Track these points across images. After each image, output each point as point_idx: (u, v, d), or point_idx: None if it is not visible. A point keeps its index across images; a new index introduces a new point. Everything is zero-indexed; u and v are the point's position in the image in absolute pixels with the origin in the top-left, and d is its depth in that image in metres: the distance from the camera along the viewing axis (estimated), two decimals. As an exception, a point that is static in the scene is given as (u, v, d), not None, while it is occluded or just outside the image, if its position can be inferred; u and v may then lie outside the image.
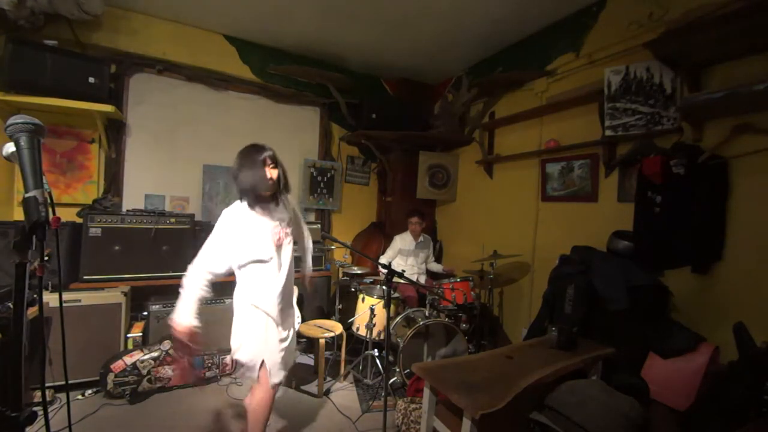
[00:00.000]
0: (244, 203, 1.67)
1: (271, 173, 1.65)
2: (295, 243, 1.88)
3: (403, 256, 3.58)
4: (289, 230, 1.80)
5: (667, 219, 2.15)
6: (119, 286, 2.64)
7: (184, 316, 1.55)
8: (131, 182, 3.20)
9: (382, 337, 2.77)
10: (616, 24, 2.53)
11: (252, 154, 1.65)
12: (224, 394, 2.54)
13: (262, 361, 1.70)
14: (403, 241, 3.57)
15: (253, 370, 1.72)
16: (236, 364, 1.85)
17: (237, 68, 3.52)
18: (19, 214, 2.70)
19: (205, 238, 1.71)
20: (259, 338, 1.72)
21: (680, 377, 1.94)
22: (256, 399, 1.73)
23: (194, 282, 1.61)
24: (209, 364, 2.67)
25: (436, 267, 3.72)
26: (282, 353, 1.76)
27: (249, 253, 1.67)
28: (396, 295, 2.94)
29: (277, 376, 1.73)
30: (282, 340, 1.77)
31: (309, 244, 2.14)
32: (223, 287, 2.93)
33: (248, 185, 1.63)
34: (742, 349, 1.67)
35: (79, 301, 2.43)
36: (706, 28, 1.87)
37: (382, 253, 3.73)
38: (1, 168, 2.67)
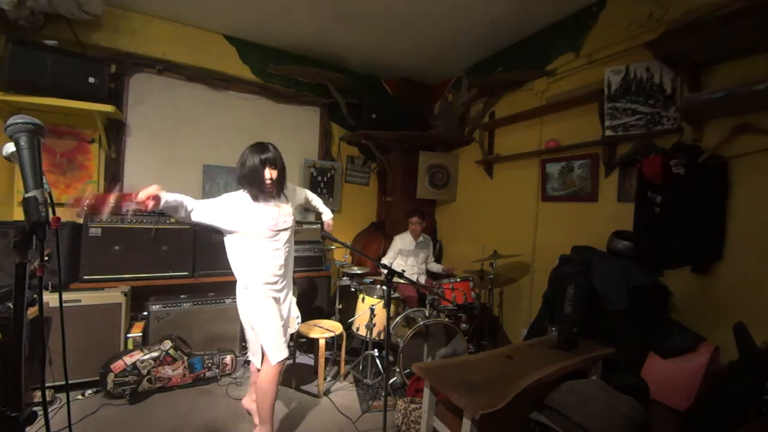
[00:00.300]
0: (247, 194, 1.84)
1: (271, 173, 1.79)
2: (297, 232, 2.06)
3: (403, 256, 3.58)
4: (288, 219, 1.92)
5: (667, 219, 2.15)
6: (119, 286, 2.64)
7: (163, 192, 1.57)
8: (131, 182, 3.19)
9: (382, 337, 2.77)
10: (616, 24, 2.53)
11: (256, 153, 1.78)
12: (224, 394, 2.54)
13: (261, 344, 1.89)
14: (402, 241, 3.57)
15: (257, 353, 1.93)
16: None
17: (237, 68, 3.52)
18: (19, 214, 2.69)
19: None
20: (257, 321, 1.88)
21: (680, 377, 1.94)
22: (261, 376, 1.90)
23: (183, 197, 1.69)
24: (209, 364, 2.66)
25: (435, 267, 3.72)
26: (279, 332, 1.89)
27: (240, 225, 1.80)
28: (396, 295, 2.94)
29: (276, 355, 1.86)
30: (277, 320, 1.91)
31: (315, 199, 2.34)
32: (223, 287, 2.95)
33: (248, 181, 1.80)
34: (742, 349, 1.67)
35: (79, 301, 2.43)
36: (706, 28, 1.87)
37: (383, 254, 3.73)
38: (1, 168, 2.67)
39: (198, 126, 3.45)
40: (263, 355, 1.90)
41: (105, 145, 3.06)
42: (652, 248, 2.22)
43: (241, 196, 1.83)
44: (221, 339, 2.87)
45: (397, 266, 3.49)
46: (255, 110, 3.70)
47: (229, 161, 3.55)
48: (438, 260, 4.04)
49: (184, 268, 2.90)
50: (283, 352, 1.89)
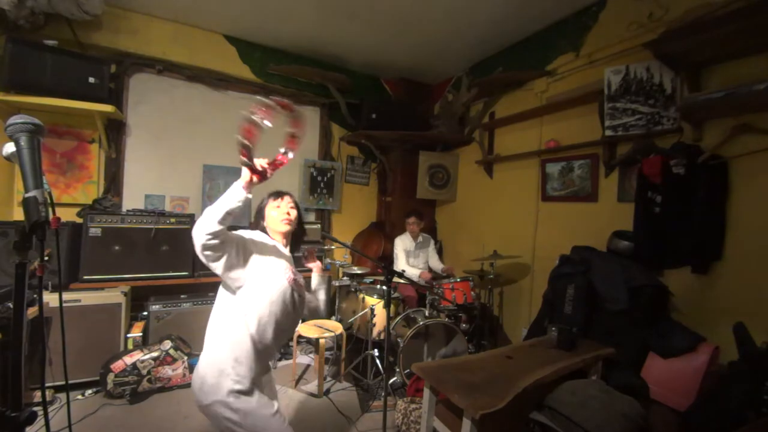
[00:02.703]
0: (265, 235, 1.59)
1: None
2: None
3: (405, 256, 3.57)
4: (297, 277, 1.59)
5: (667, 219, 2.15)
6: (119, 286, 2.64)
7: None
8: (131, 182, 3.20)
9: (382, 337, 2.76)
10: (616, 24, 2.53)
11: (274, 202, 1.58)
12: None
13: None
14: (403, 242, 3.57)
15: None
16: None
17: (237, 68, 3.52)
18: (19, 214, 2.69)
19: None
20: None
21: (680, 377, 1.94)
22: None
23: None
24: (209, 364, 2.66)
25: (437, 265, 3.68)
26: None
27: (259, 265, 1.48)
28: (396, 295, 2.94)
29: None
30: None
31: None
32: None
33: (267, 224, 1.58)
34: (742, 349, 1.67)
35: (79, 301, 2.43)
36: (706, 28, 1.87)
37: (382, 255, 3.72)
38: (1, 168, 2.67)
39: (198, 126, 3.45)
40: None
41: (105, 145, 3.06)
42: (652, 248, 2.22)
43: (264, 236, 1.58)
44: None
45: (398, 266, 3.49)
46: (255, 110, 3.70)
47: (229, 161, 3.56)
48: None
49: (184, 268, 2.90)
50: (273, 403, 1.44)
